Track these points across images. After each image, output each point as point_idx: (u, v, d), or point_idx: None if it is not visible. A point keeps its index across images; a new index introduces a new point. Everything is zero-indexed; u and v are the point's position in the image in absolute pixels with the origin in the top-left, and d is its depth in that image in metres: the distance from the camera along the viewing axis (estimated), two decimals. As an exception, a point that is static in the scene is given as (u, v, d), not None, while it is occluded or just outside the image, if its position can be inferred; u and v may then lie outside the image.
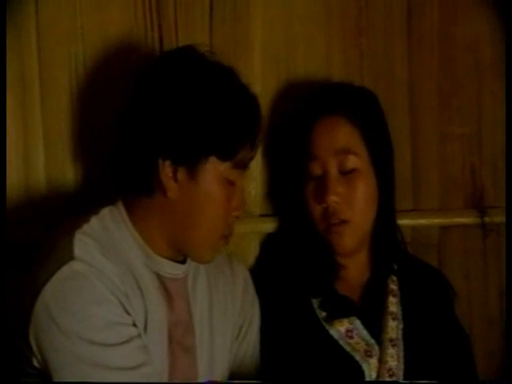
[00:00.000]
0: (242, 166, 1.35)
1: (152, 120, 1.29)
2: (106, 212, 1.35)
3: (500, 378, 1.56)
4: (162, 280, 1.36)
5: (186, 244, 1.35)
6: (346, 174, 1.52)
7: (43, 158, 1.58)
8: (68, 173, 1.59)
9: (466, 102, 1.81)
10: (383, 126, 1.59)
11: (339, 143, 1.52)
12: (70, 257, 1.24)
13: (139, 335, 1.28)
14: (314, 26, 1.73)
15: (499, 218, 1.76)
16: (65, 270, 1.22)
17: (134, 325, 1.28)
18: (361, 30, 1.75)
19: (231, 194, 1.34)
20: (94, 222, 1.32)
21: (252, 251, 1.70)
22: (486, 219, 1.80)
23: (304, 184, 1.56)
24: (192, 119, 1.28)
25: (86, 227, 1.29)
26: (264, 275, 1.59)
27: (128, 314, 1.27)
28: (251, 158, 1.38)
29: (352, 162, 1.52)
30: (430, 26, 1.79)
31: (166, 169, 1.29)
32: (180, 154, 1.29)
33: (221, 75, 1.32)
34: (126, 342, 1.24)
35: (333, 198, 1.50)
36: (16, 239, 1.49)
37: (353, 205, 1.52)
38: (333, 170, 1.52)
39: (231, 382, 1.47)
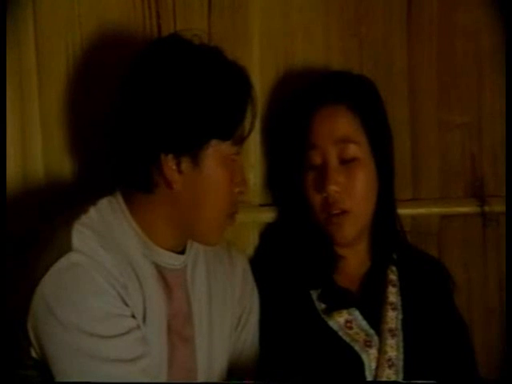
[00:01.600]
0: (241, 140, 1.36)
1: (148, 118, 1.28)
2: (104, 202, 1.34)
3: (499, 371, 1.56)
4: (160, 270, 1.35)
5: (193, 230, 1.36)
6: (346, 163, 1.51)
7: (41, 147, 1.58)
8: (66, 163, 1.59)
9: (466, 90, 1.81)
10: (383, 115, 1.58)
11: (339, 132, 1.51)
12: (69, 248, 1.23)
13: (138, 327, 1.28)
14: (313, 15, 1.72)
15: (499, 207, 1.76)
16: (63, 262, 1.22)
17: (133, 316, 1.28)
18: (360, 19, 1.75)
19: (233, 172, 1.34)
20: (93, 213, 1.31)
21: (251, 241, 1.70)
22: (486, 208, 1.80)
23: (303, 173, 1.55)
24: (187, 107, 1.27)
25: (84, 218, 1.29)
26: (263, 266, 1.59)
27: (127, 305, 1.27)
28: (250, 131, 1.38)
29: (352, 150, 1.51)
30: (429, 14, 1.78)
31: (169, 162, 1.29)
32: (182, 145, 1.29)
33: (205, 57, 1.32)
34: (125, 333, 1.24)
35: (333, 188, 1.50)
36: (14, 230, 1.48)
37: (353, 194, 1.51)
38: (333, 159, 1.51)
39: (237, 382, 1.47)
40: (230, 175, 1.34)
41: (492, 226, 1.81)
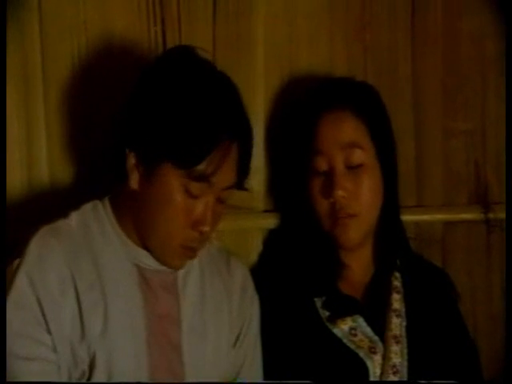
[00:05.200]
0: (205, 179, 1.28)
1: (126, 114, 1.32)
2: (88, 207, 1.37)
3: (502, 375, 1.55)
4: (142, 272, 1.36)
5: (149, 244, 1.35)
6: (352, 168, 1.51)
7: (46, 153, 1.58)
8: (71, 168, 1.60)
9: (470, 97, 1.81)
10: (387, 121, 1.58)
11: (346, 137, 1.51)
12: (22, 254, 1.28)
13: (52, 360, 1.27)
14: (317, 21, 1.72)
15: (503, 213, 1.74)
16: (10, 268, 1.28)
17: (55, 349, 1.27)
18: (364, 25, 1.75)
19: (190, 206, 1.30)
20: (73, 218, 1.35)
21: (255, 247, 1.70)
22: (490, 215, 1.80)
23: (309, 179, 1.55)
24: (152, 122, 1.27)
25: (59, 223, 1.34)
26: (267, 273, 1.58)
27: (49, 333, 1.27)
28: (231, 184, 1.33)
29: (358, 156, 1.51)
30: (433, 21, 1.78)
31: (130, 158, 1.30)
32: (140, 152, 1.29)
33: (198, 84, 1.29)
34: (32, 359, 1.25)
35: (340, 193, 1.49)
36: (18, 236, 1.48)
37: (359, 199, 1.51)
38: (339, 165, 1.51)
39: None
40: (182, 206, 1.29)
41: (496, 232, 1.80)
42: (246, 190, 1.38)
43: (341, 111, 1.52)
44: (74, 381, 1.28)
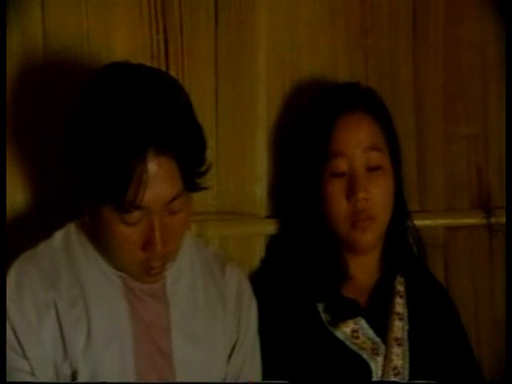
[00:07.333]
0: (135, 208, 1.24)
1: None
2: (72, 225, 1.40)
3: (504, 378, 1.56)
4: (127, 283, 1.37)
5: (115, 267, 1.36)
6: (372, 170, 1.51)
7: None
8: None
9: (472, 102, 1.81)
10: (394, 126, 1.59)
11: (367, 139, 1.51)
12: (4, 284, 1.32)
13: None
14: (319, 28, 1.73)
15: (505, 218, 1.75)
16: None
17: (33, 373, 1.31)
18: (366, 31, 1.75)
19: (133, 233, 1.27)
20: (56, 237, 1.38)
21: (257, 253, 1.70)
22: (492, 220, 1.80)
23: (325, 182, 1.53)
24: (80, 162, 1.26)
25: (40, 247, 1.37)
26: (269, 278, 1.59)
27: (25, 358, 1.30)
28: (174, 196, 1.26)
29: (378, 158, 1.52)
30: (435, 27, 1.78)
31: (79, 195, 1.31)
32: (82, 190, 1.28)
33: (103, 121, 1.23)
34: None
35: (362, 195, 1.49)
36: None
37: (378, 202, 1.51)
38: (361, 167, 1.51)
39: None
40: (125, 237, 1.27)
41: (498, 237, 1.80)
42: (205, 188, 1.32)
43: (360, 113, 1.53)
44: None
